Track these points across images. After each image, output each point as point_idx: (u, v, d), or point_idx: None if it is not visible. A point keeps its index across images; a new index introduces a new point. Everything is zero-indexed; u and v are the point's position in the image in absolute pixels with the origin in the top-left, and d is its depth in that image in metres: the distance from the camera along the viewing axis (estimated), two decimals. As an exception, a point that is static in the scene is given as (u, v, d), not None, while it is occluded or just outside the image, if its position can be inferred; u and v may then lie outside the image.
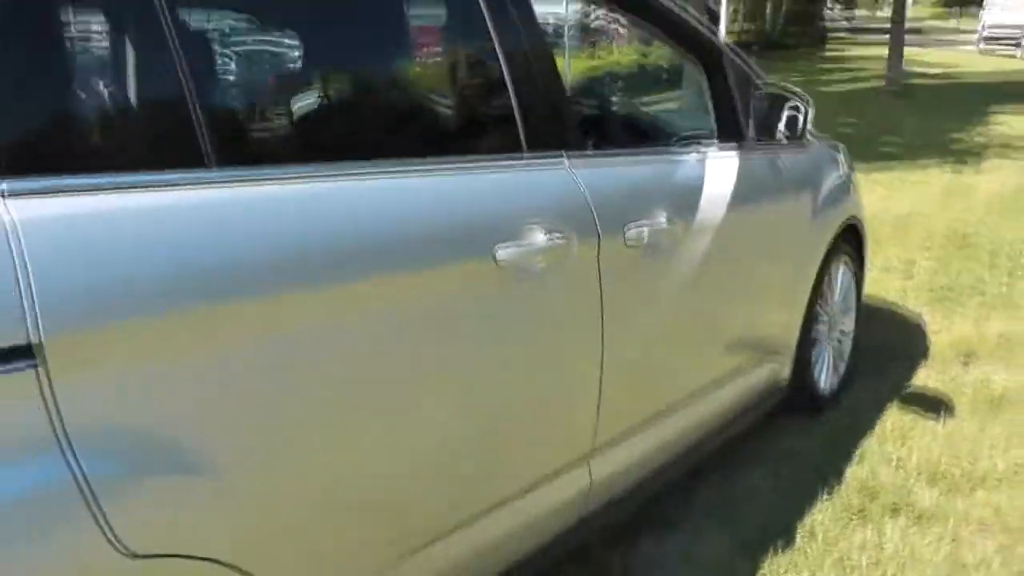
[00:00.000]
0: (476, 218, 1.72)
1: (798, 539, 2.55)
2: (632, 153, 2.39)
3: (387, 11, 1.98)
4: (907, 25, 16.33)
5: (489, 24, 1.84)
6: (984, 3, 25.99)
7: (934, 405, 3.37)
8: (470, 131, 2.01)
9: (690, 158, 2.46)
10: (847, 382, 3.54)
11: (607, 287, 1.98)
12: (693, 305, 2.38)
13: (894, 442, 3.10)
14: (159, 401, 1.24)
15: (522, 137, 1.89)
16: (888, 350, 3.91)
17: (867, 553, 2.47)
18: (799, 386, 3.16)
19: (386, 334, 1.52)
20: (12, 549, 1.11)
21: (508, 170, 1.86)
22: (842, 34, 35.56)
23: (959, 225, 6.16)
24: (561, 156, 1.96)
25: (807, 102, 2.78)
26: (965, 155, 9.16)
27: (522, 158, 1.89)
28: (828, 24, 34.59)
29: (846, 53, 24.89)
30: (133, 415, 1.22)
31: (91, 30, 1.37)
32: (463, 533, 1.78)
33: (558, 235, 1.84)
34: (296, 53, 1.87)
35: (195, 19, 1.58)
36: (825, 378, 3.37)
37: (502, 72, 1.87)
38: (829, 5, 37.41)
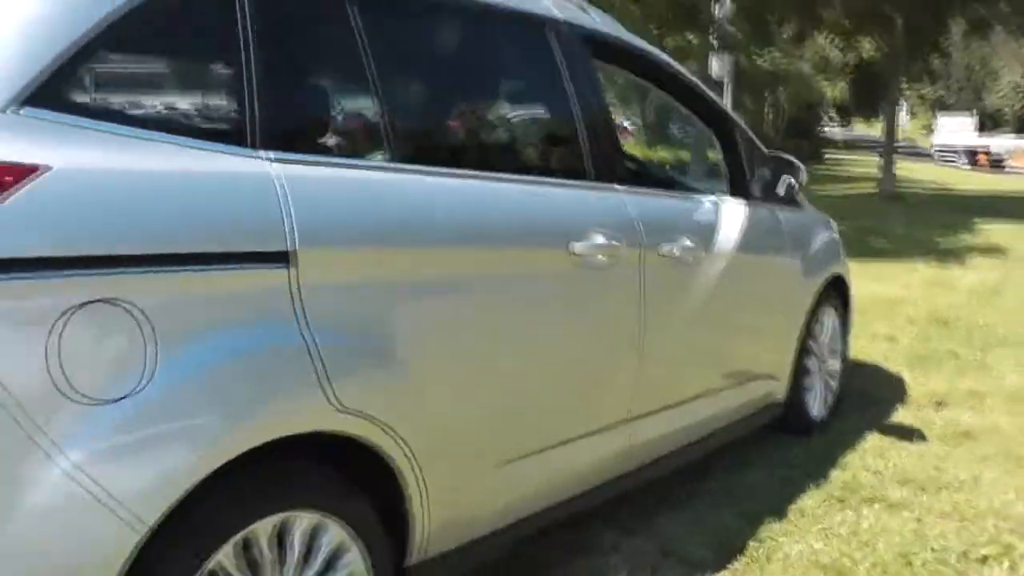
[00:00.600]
0: (559, 219, 2.39)
1: (790, 516, 3.10)
2: (663, 191, 3.07)
3: (517, 78, 2.74)
4: (900, 143, 17.43)
5: (571, 94, 2.56)
6: (934, 127, 36.38)
7: (908, 434, 3.95)
8: (559, 160, 2.70)
9: (707, 201, 3.14)
10: (834, 414, 4.13)
11: (647, 282, 2.63)
12: (706, 310, 3.02)
13: (873, 457, 3.67)
14: (368, 304, 1.87)
15: (590, 168, 2.57)
16: (871, 396, 4.51)
17: (846, 527, 3.03)
18: (793, 408, 3.76)
19: (508, 282, 2.21)
20: (263, 384, 1.70)
21: (580, 189, 2.53)
22: (838, 146, 37.22)
23: (941, 309, 6.81)
24: (614, 185, 2.63)
25: (800, 169, 3.47)
26: (949, 254, 9.89)
27: (588, 183, 2.56)
28: (827, 135, 36.31)
29: (841, 164, 26.11)
30: (348, 310, 1.84)
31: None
32: (543, 456, 2.37)
33: (614, 240, 2.49)
34: (470, 103, 2.62)
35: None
36: (816, 406, 3.96)
37: (579, 125, 2.57)
38: (825, 120, 39.17)
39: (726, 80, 15.57)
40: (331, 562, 1.85)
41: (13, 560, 1.39)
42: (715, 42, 14.28)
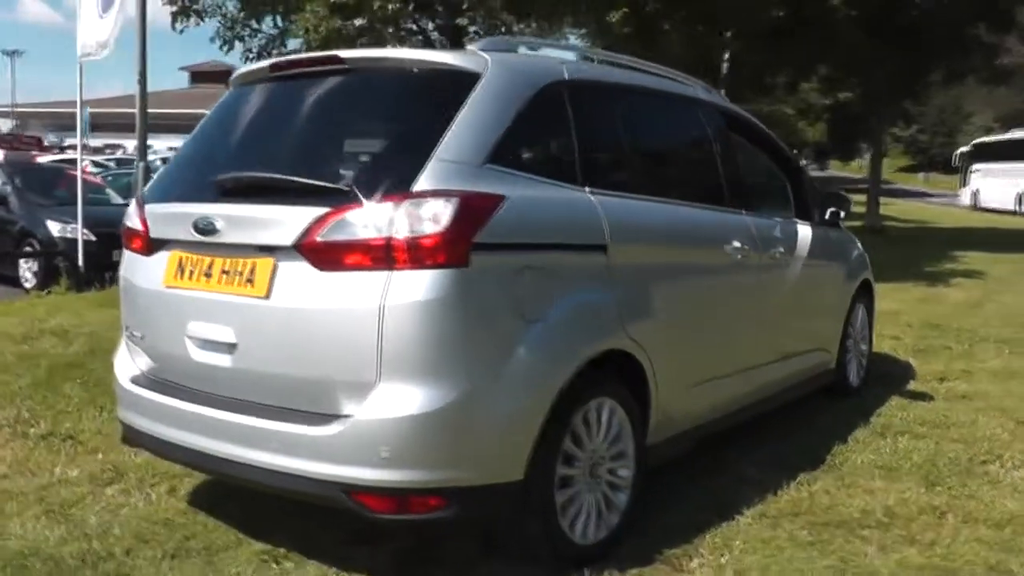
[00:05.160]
0: (719, 230, 3.79)
1: (849, 442, 4.46)
2: (767, 216, 4.47)
3: (689, 140, 4.16)
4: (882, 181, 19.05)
5: (716, 151, 3.99)
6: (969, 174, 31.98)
7: (921, 396, 5.35)
8: (712, 194, 4.02)
9: (789, 223, 4.56)
10: (864, 384, 5.53)
11: (762, 274, 4.03)
12: (792, 296, 4.43)
13: (898, 410, 5.06)
14: (640, 276, 3.22)
15: (728, 199, 3.97)
16: (888, 374, 5.91)
17: (889, 447, 4.39)
18: (839, 375, 5.15)
19: (699, 265, 3.64)
20: (596, 319, 3.05)
21: (725, 213, 3.94)
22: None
23: (933, 318, 8.24)
24: (742, 211, 4.04)
25: (849, 201, 4.91)
26: (936, 277, 11.38)
27: (729, 209, 3.97)
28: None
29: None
30: (632, 279, 3.19)
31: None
32: (710, 384, 3.74)
33: (745, 245, 3.89)
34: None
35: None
36: (853, 375, 5.36)
37: (721, 171, 3.99)
38: (805, 162, 41.11)
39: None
40: (615, 428, 3.14)
41: (510, 380, 2.69)
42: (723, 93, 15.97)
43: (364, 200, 2.61)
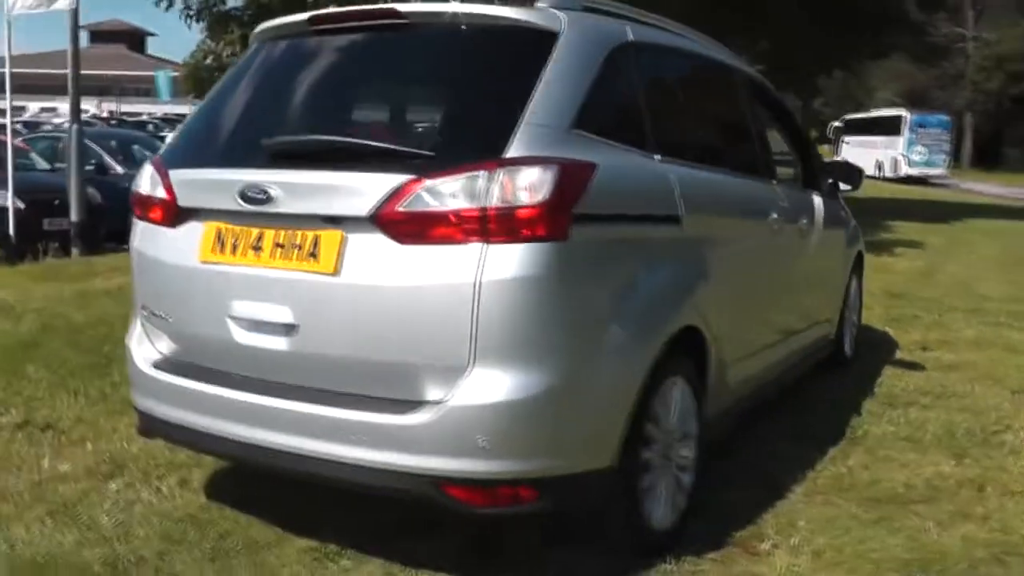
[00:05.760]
0: (763, 201, 3.68)
1: (863, 413, 4.44)
2: (794, 188, 4.38)
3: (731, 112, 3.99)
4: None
5: (752, 121, 3.86)
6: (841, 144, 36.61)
7: (912, 366, 5.40)
8: (750, 165, 3.89)
9: (806, 193, 4.48)
10: (856, 355, 5.54)
11: (793, 245, 3.94)
12: (813, 263, 4.39)
13: (896, 380, 5.08)
14: (707, 247, 3.07)
15: (763, 170, 3.86)
16: (873, 344, 5.95)
17: (902, 418, 4.38)
18: (837, 346, 5.14)
19: (755, 240, 3.51)
20: (675, 291, 2.89)
21: (764, 183, 3.82)
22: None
23: (890, 287, 8.38)
24: (772, 181, 3.93)
25: (861, 172, 4.88)
26: (877, 247, 11.63)
27: (763, 180, 3.86)
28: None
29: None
30: (701, 251, 3.04)
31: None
32: (752, 357, 3.64)
33: (780, 217, 3.78)
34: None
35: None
36: (848, 345, 5.37)
37: (756, 143, 3.87)
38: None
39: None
40: (684, 407, 2.98)
41: (607, 361, 2.52)
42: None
43: (452, 167, 2.37)
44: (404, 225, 2.38)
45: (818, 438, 4.04)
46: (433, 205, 2.35)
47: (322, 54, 2.93)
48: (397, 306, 2.40)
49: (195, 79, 13.41)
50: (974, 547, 3.04)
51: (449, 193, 2.35)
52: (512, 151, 2.39)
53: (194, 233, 2.77)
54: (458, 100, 2.73)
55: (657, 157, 2.92)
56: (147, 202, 2.94)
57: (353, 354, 2.47)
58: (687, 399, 2.99)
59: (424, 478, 2.38)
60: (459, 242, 2.34)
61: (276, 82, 3.01)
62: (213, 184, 2.73)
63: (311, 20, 2.93)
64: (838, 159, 5.50)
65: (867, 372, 5.22)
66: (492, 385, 2.34)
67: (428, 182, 2.36)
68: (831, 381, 4.99)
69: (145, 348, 2.99)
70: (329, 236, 2.48)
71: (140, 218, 3.00)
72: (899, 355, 5.72)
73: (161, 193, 2.87)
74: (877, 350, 5.80)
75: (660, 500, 2.83)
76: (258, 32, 3.15)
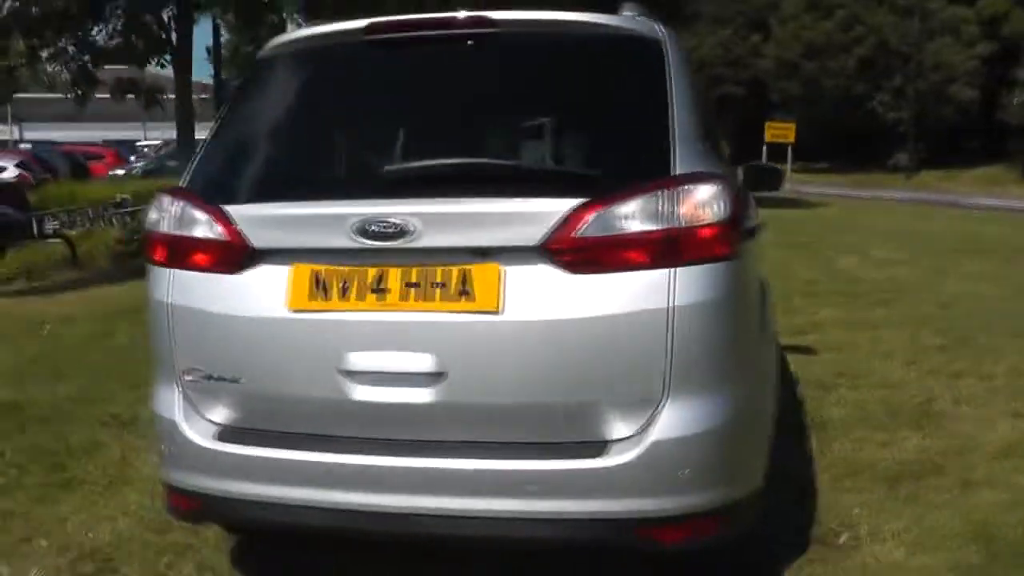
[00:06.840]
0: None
1: (803, 398, 4.73)
2: None
3: None
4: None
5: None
6: None
7: (804, 351, 5.82)
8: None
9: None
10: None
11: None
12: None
13: (804, 364, 5.45)
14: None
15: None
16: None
17: (838, 399, 4.72)
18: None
19: None
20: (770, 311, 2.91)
21: None
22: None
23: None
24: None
25: (783, 173, 5.13)
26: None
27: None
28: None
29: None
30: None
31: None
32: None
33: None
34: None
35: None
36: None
37: None
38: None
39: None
40: None
41: (768, 380, 2.46)
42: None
43: (624, 188, 2.21)
44: (580, 253, 2.19)
45: (789, 425, 4.22)
46: (613, 229, 2.19)
47: (391, 67, 2.61)
48: (577, 342, 2.20)
49: None
50: (1007, 511, 3.28)
51: (629, 216, 2.20)
52: (679, 168, 2.28)
53: (273, 278, 2.38)
54: (596, 116, 2.53)
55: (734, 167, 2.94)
56: (187, 245, 2.48)
57: (520, 399, 2.24)
58: None
59: (622, 523, 2.21)
60: (645, 267, 2.19)
61: (350, 100, 2.65)
62: (311, 220, 2.35)
63: (368, 29, 2.57)
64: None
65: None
66: (691, 415, 2.22)
67: (605, 206, 2.19)
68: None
69: (196, 419, 2.52)
70: (483, 270, 2.22)
71: (172, 265, 2.52)
72: (784, 340, 6.14)
73: (216, 234, 2.43)
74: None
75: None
76: (293, 42, 2.74)
